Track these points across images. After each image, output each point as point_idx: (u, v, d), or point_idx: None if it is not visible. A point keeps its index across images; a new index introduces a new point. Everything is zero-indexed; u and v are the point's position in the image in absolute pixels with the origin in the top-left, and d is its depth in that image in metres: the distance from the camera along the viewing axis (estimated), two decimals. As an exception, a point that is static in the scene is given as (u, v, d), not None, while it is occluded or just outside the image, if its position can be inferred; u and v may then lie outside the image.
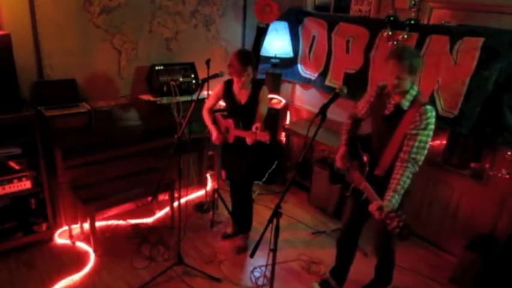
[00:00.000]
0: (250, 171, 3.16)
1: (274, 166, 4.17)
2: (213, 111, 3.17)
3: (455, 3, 3.11)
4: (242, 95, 2.97)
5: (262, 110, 2.91)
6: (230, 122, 2.98)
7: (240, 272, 3.05)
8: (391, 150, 2.25)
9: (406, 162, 2.16)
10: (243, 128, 2.90)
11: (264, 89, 2.95)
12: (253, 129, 2.74)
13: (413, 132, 2.16)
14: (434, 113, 2.17)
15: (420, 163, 2.19)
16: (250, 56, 2.84)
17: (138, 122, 3.45)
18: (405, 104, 2.22)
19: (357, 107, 2.59)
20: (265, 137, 2.61)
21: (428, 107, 2.16)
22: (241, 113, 2.96)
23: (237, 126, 2.93)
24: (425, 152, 2.18)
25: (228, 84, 3.01)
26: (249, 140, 2.72)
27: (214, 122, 3.12)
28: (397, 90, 2.20)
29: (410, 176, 2.16)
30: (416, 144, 2.16)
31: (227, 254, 3.24)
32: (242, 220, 3.33)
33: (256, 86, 2.94)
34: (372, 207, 2.10)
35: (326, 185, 3.82)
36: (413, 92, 2.21)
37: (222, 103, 3.27)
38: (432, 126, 2.17)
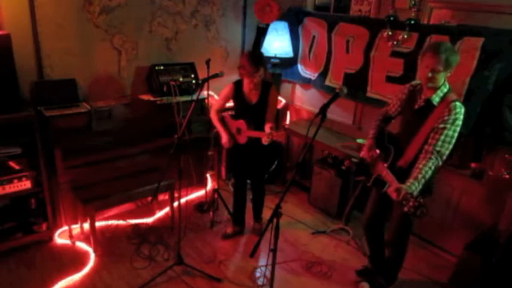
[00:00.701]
0: (262, 168, 3.26)
1: (274, 166, 4.17)
2: (223, 110, 3.22)
3: (455, 3, 3.11)
4: (253, 95, 3.00)
5: (273, 109, 2.97)
6: (242, 123, 3.00)
7: (240, 272, 3.05)
8: (417, 143, 2.29)
9: (430, 154, 2.20)
10: (254, 129, 2.94)
11: (274, 88, 3.00)
12: (267, 129, 2.76)
13: (441, 126, 2.19)
14: (463, 110, 2.20)
15: (444, 157, 2.22)
16: (261, 58, 2.88)
17: (138, 122, 3.45)
18: (435, 99, 2.25)
19: (388, 105, 2.65)
20: (281, 137, 2.66)
21: (458, 104, 2.19)
22: (252, 113, 2.99)
23: (250, 127, 2.95)
24: (451, 147, 2.21)
25: (238, 85, 3.04)
26: (265, 140, 2.74)
27: (224, 124, 3.15)
28: (430, 85, 2.23)
29: (433, 167, 2.19)
30: (442, 137, 2.19)
31: (227, 254, 3.24)
32: (256, 210, 3.49)
33: (266, 86, 2.98)
34: (391, 189, 2.16)
35: (326, 185, 3.83)
36: (445, 89, 2.25)
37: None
38: (460, 123, 2.20)
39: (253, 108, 2.99)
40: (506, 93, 2.69)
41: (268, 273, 2.61)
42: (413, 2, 3.18)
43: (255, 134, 2.91)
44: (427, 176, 2.18)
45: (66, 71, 3.24)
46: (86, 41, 3.31)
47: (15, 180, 2.89)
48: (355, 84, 3.59)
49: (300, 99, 4.50)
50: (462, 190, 3.19)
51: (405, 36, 3.16)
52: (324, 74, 3.96)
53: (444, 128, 2.18)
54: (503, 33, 2.68)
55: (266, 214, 3.53)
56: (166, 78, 3.57)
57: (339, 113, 3.98)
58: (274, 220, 2.04)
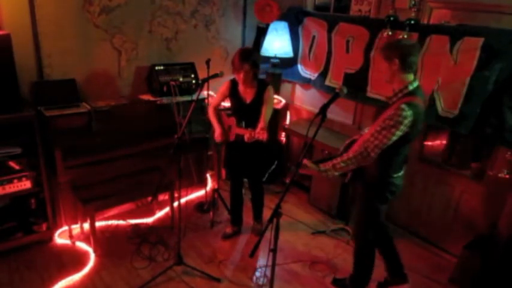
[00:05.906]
0: (259, 167, 3.26)
1: (274, 166, 4.17)
2: (219, 110, 3.21)
3: (455, 3, 3.11)
4: (247, 94, 2.98)
5: (267, 109, 2.92)
6: (232, 120, 3.02)
7: (240, 272, 3.05)
8: None
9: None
10: (246, 127, 2.92)
11: (270, 88, 2.97)
12: (257, 129, 2.77)
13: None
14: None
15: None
16: (249, 54, 2.86)
17: (138, 122, 3.45)
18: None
19: None
20: (262, 136, 2.66)
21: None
22: (247, 112, 2.98)
23: (239, 124, 2.96)
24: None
25: (234, 83, 3.04)
26: (246, 137, 2.75)
27: (220, 119, 3.16)
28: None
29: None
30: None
31: (227, 254, 3.25)
32: (255, 210, 3.47)
33: (261, 85, 2.96)
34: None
35: (326, 185, 3.83)
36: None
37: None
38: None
39: (247, 107, 2.98)
40: (506, 93, 2.69)
41: (268, 273, 2.61)
42: (413, 2, 3.18)
43: (240, 131, 2.93)
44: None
45: (66, 71, 3.24)
46: (86, 41, 3.31)
47: (15, 180, 2.89)
48: (355, 84, 3.59)
49: (300, 99, 4.50)
50: (462, 190, 3.19)
51: (405, 36, 3.15)
52: (324, 74, 3.96)
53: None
54: (503, 33, 2.68)
55: (266, 214, 3.53)
56: (166, 78, 3.57)
57: (339, 113, 3.98)
58: (274, 220, 2.04)
